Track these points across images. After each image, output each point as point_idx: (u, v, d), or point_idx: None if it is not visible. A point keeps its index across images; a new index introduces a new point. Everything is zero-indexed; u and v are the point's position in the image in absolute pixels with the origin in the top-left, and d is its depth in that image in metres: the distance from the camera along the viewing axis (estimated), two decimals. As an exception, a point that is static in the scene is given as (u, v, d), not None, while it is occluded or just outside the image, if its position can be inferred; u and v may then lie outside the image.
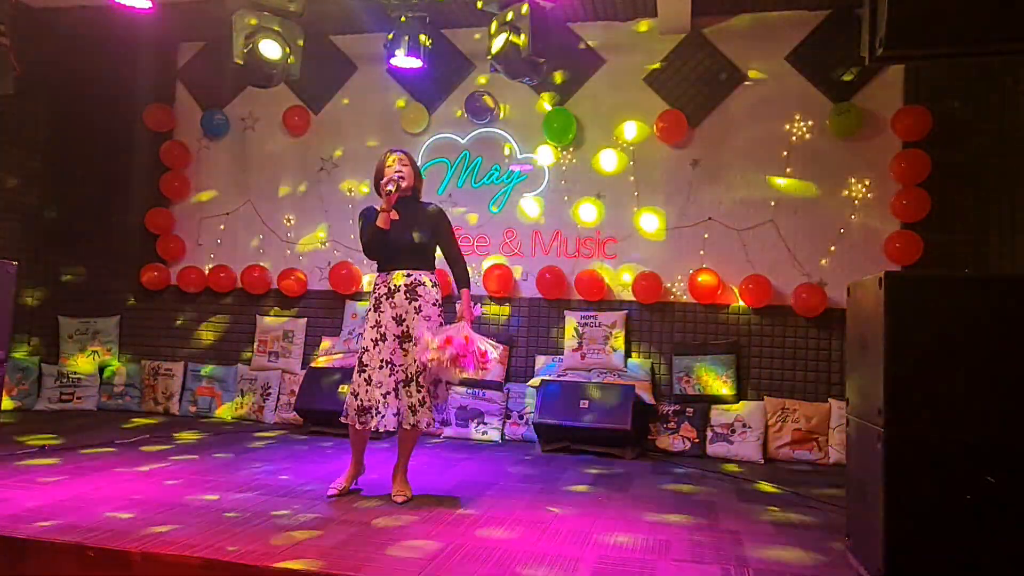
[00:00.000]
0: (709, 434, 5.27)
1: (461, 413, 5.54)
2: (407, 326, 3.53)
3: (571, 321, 5.70)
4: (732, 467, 4.82)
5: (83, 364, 6.35)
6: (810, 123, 5.51)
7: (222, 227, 6.62)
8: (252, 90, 6.27)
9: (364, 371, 3.52)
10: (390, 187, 3.55)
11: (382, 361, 3.50)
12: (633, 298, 5.71)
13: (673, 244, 5.70)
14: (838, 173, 5.45)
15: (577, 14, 5.80)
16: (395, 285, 3.59)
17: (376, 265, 3.69)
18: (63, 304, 6.53)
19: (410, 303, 3.55)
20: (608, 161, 5.81)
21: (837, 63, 5.38)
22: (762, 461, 5.09)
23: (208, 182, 6.69)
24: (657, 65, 5.78)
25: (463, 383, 5.57)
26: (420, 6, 5.36)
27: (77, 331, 6.47)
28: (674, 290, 5.67)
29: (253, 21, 4.78)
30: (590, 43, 5.92)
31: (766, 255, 5.53)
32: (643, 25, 5.83)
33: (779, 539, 3.14)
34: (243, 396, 6.13)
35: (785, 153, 5.55)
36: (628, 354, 5.66)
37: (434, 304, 3.61)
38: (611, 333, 5.60)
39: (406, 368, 3.52)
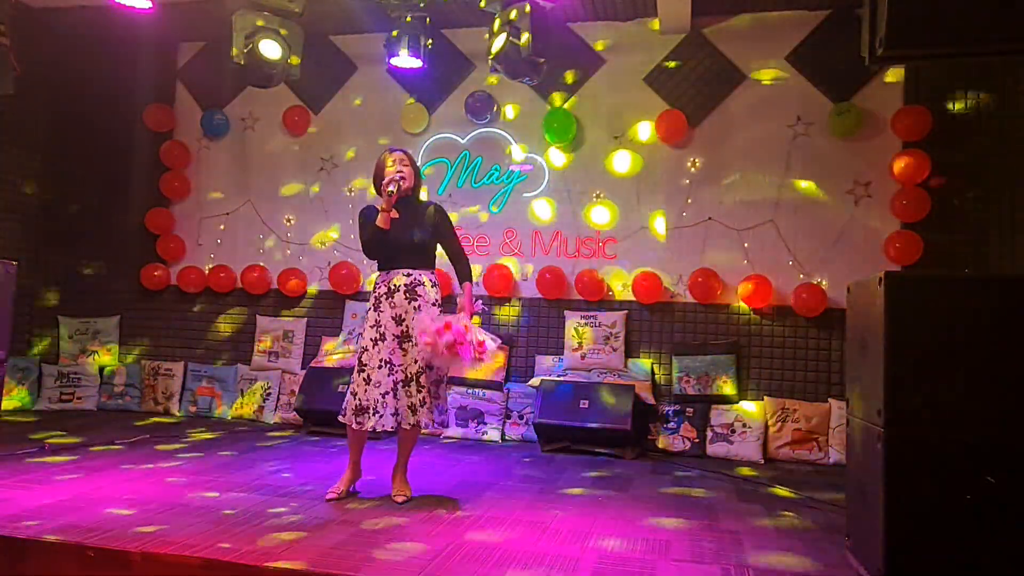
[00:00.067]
0: (709, 434, 5.27)
1: (461, 413, 5.54)
2: (406, 326, 3.54)
3: (571, 321, 5.70)
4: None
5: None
6: (810, 123, 5.51)
7: (222, 227, 6.62)
8: (252, 90, 6.26)
9: (363, 370, 3.52)
10: (391, 188, 3.55)
11: (381, 361, 3.50)
12: (633, 298, 5.71)
13: (673, 244, 5.70)
14: (838, 173, 5.45)
15: (577, 14, 5.80)
16: (395, 285, 3.59)
17: (376, 265, 3.69)
18: (63, 304, 6.54)
19: (409, 303, 3.56)
20: (609, 161, 5.81)
21: (837, 63, 5.38)
22: (762, 461, 5.09)
23: (208, 182, 6.69)
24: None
25: (463, 383, 5.58)
26: (420, 6, 5.36)
27: (77, 331, 6.47)
28: (674, 290, 5.68)
29: (254, 21, 4.78)
30: (590, 43, 5.92)
31: (766, 255, 5.52)
32: (643, 25, 5.83)
33: (779, 539, 3.14)
34: (243, 396, 6.13)
35: (785, 153, 5.55)
36: (628, 354, 5.66)
37: (433, 304, 3.61)
38: (611, 333, 5.61)
39: (405, 368, 3.52)
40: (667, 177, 5.75)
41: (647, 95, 5.80)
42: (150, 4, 5.13)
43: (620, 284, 5.77)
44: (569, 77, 5.93)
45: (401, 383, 3.51)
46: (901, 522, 2.41)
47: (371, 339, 3.55)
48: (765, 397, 5.38)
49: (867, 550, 2.61)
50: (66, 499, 3.32)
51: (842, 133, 5.41)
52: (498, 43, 4.80)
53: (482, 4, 4.89)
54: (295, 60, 4.96)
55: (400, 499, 3.53)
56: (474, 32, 6.04)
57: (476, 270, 5.73)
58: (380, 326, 3.55)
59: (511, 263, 5.95)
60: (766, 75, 5.62)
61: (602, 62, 5.92)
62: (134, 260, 6.65)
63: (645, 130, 5.79)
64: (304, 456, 4.65)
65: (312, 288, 6.36)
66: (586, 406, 5.05)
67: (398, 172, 3.62)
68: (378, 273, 3.69)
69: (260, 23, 4.80)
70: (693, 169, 5.72)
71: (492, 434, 5.50)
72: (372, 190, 3.90)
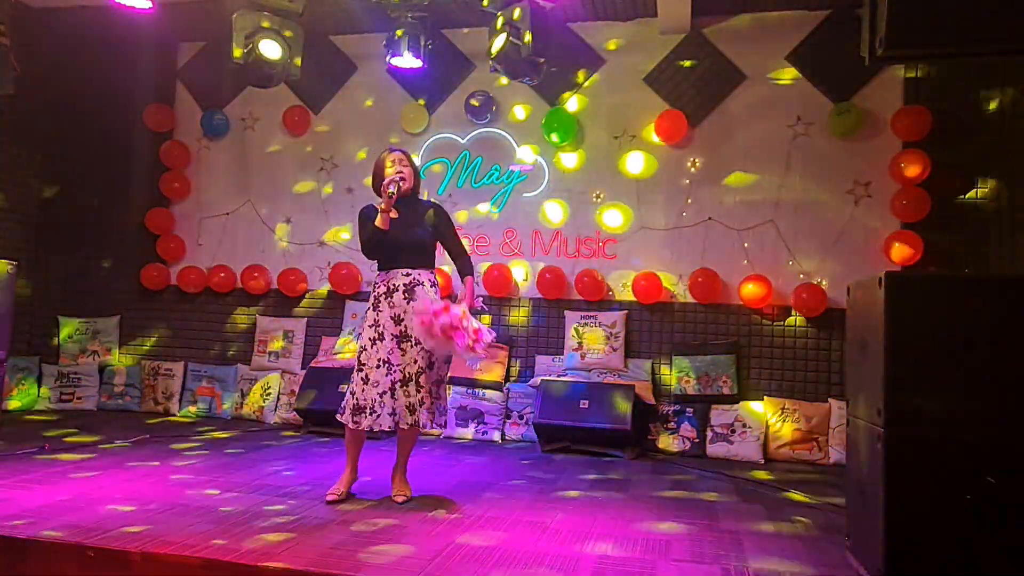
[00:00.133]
0: (709, 434, 5.27)
1: (461, 413, 5.54)
2: (405, 326, 3.53)
3: (571, 321, 5.70)
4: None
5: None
6: (810, 123, 5.51)
7: (222, 227, 6.62)
8: (252, 90, 6.26)
9: (362, 370, 3.52)
10: (391, 189, 3.54)
11: (380, 360, 3.50)
12: (633, 298, 5.71)
13: (673, 244, 5.70)
14: (838, 173, 5.44)
15: (577, 14, 5.80)
16: (394, 285, 3.58)
17: (376, 264, 3.69)
18: (63, 304, 6.53)
19: (408, 303, 3.55)
20: (608, 161, 5.81)
21: (837, 63, 5.38)
22: (762, 461, 5.09)
23: (208, 182, 6.69)
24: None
25: (463, 383, 5.58)
26: (421, 6, 5.36)
27: (77, 331, 6.47)
28: (674, 290, 5.67)
29: (254, 21, 4.78)
30: (590, 43, 5.92)
31: (766, 255, 5.53)
32: (643, 25, 5.82)
33: (779, 539, 3.14)
34: (244, 396, 6.13)
35: (785, 153, 5.55)
36: (628, 354, 5.66)
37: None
38: (611, 333, 5.60)
39: (404, 368, 3.52)
40: (667, 177, 5.76)
41: (647, 95, 5.80)
42: (150, 4, 5.13)
43: (620, 284, 5.77)
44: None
45: (399, 383, 3.51)
46: (901, 522, 2.41)
47: (370, 339, 3.55)
48: (765, 397, 5.37)
49: (867, 550, 2.61)
50: (67, 498, 3.32)
51: (842, 133, 5.41)
52: (498, 43, 4.80)
53: (484, 3, 4.89)
54: (296, 60, 4.96)
55: (400, 499, 3.54)
56: (474, 32, 6.04)
57: (476, 270, 5.72)
58: (379, 326, 3.55)
59: (511, 263, 5.95)
60: (766, 75, 5.62)
61: (602, 62, 5.92)
62: (134, 260, 6.65)
63: (646, 130, 5.78)
64: (308, 456, 4.65)
65: (312, 288, 6.36)
66: (586, 406, 5.05)
67: (398, 173, 3.62)
68: (378, 273, 3.69)
69: (260, 23, 4.79)
70: (693, 169, 5.72)
71: (492, 434, 5.50)
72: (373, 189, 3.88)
